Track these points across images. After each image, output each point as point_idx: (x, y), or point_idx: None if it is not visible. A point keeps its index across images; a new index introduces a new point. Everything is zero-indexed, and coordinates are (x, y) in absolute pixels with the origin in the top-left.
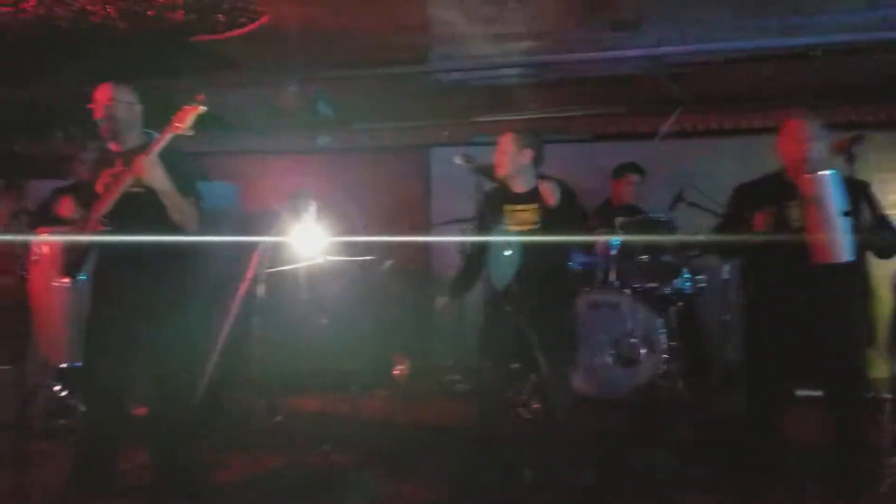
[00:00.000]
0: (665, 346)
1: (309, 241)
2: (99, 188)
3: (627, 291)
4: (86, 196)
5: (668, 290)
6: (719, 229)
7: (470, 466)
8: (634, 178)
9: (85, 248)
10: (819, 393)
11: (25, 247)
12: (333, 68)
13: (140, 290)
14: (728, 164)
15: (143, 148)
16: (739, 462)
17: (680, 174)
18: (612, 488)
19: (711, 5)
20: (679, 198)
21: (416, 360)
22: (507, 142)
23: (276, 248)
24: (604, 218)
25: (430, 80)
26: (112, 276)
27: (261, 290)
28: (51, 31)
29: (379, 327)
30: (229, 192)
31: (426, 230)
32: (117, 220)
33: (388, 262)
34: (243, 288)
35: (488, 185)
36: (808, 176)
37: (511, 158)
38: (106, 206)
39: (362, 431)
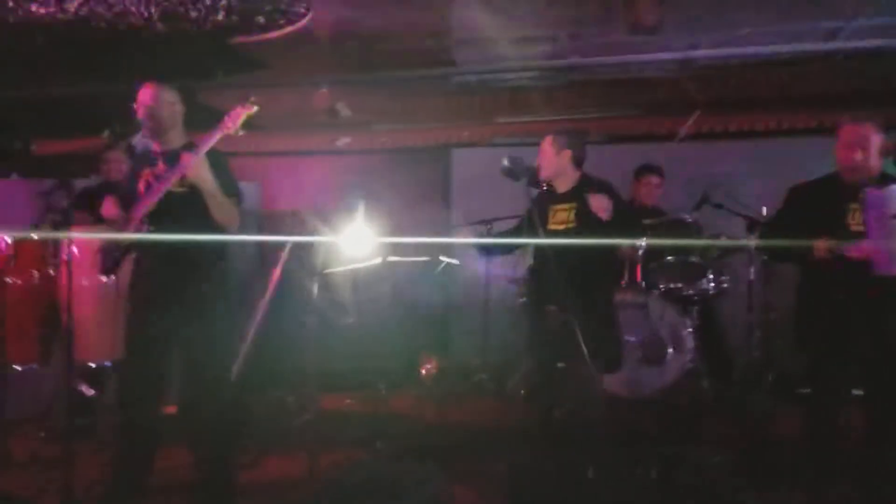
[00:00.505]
0: (691, 346)
1: (361, 240)
2: (140, 188)
3: (655, 292)
4: (126, 195)
5: (691, 291)
6: (773, 230)
7: (514, 466)
8: (654, 179)
9: (125, 248)
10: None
11: (55, 245)
12: (358, 70)
13: (180, 289)
14: (744, 167)
15: (186, 148)
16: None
17: (697, 176)
18: (664, 488)
19: (730, 10)
20: (704, 199)
21: (443, 358)
22: (547, 144)
23: (329, 247)
24: None
25: (452, 82)
26: (152, 276)
27: (314, 289)
28: (88, 32)
29: (406, 326)
30: (250, 191)
31: (447, 232)
32: (159, 220)
33: (445, 263)
34: (272, 287)
35: (533, 187)
36: (872, 191)
37: (551, 160)
38: (149, 206)
39: (395, 431)
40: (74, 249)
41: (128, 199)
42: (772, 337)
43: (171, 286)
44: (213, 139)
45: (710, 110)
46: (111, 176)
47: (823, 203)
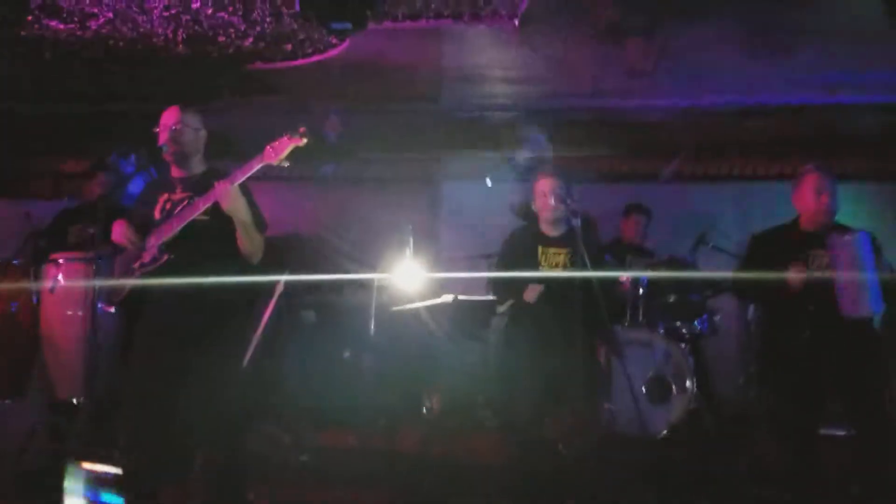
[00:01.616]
0: (694, 384)
1: (413, 277)
2: (156, 214)
3: (660, 330)
4: (139, 221)
5: (687, 329)
6: (738, 276)
7: None
8: (641, 218)
9: (138, 277)
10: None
11: (38, 273)
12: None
13: (197, 322)
14: (723, 208)
15: (209, 175)
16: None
17: (680, 216)
18: None
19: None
20: (701, 240)
21: (446, 395)
22: (550, 184)
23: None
24: (615, 256)
25: (443, 116)
26: (166, 308)
27: (371, 326)
28: (106, 51)
29: (408, 362)
30: None
31: (436, 264)
32: (177, 248)
33: (509, 302)
34: (265, 319)
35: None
36: (844, 237)
37: (558, 203)
38: (170, 234)
39: (394, 470)
40: (60, 278)
41: (140, 225)
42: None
43: (188, 319)
44: (253, 168)
45: (696, 154)
46: (94, 197)
47: (786, 249)
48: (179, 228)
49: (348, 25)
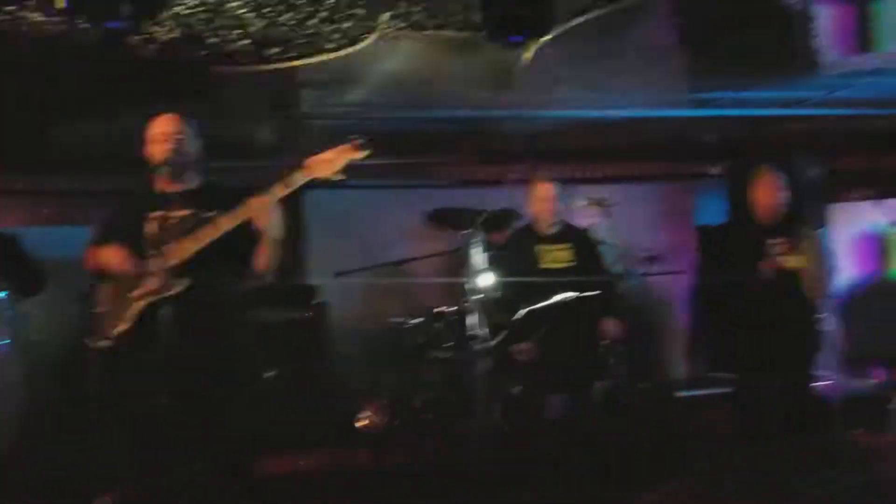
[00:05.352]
0: None
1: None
2: (149, 232)
3: None
4: (127, 242)
5: None
6: (705, 267)
7: None
8: None
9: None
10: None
11: None
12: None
13: (213, 347)
14: None
15: (210, 189)
16: None
17: None
18: None
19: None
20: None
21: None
22: (550, 189)
23: None
24: None
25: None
26: (186, 335)
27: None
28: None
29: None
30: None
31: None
32: (192, 271)
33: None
34: None
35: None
36: (811, 232)
37: (557, 206)
38: (183, 255)
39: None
40: None
41: (136, 246)
42: None
43: (216, 348)
44: (297, 184)
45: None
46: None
47: (747, 239)
48: (196, 249)
49: (521, 39)
